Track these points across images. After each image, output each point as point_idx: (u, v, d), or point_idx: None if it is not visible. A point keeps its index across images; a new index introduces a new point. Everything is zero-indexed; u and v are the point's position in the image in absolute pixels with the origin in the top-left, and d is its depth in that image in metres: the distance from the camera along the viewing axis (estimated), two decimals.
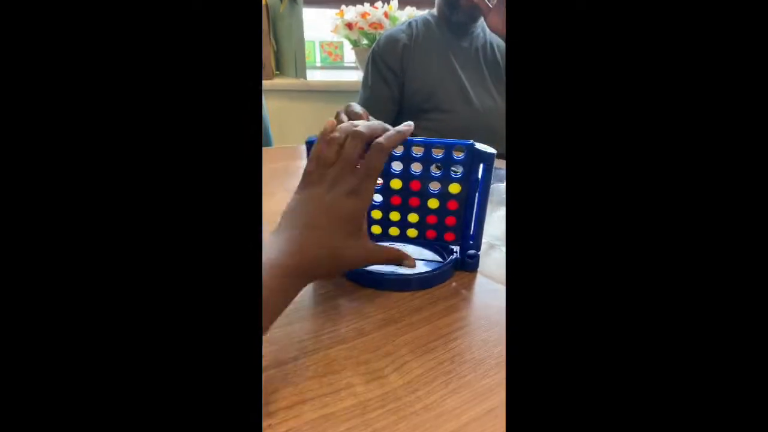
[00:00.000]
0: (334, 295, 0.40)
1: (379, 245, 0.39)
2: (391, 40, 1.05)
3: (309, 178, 0.37)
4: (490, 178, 0.40)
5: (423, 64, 1.02)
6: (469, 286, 0.43)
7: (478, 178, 0.41)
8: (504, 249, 0.48)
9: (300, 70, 1.58)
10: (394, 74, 1.04)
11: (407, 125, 0.39)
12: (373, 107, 1.03)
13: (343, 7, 1.60)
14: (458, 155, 0.41)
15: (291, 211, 0.36)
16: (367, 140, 0.37)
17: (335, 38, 1.84)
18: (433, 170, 0.41)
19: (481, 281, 0.44)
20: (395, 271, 0.41)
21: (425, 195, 0.42)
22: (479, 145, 0.40)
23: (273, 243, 0.33)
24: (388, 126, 0.38)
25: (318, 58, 1.87)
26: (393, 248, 0.40)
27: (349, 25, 1.56)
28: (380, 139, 0.37)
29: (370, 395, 0.29)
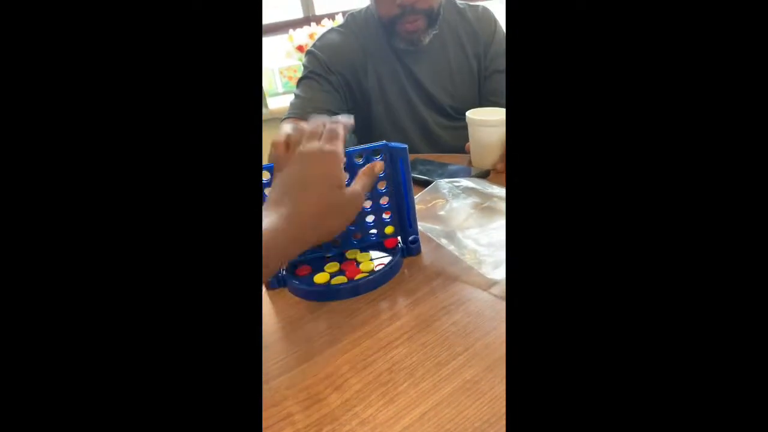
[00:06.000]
0: (287, 322, 0.41)
1: (357, 178, 0.40)
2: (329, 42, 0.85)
3: (279, 163, 0.39)
4: (409, 167, 0.44)
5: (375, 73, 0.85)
6: (415, 285, 0.43)
7: (399, 170, 0.44)
8: (443, 242, 0.48)
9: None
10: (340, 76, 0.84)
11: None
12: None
13: (291, 31, 1.62)
14: (377, 156, 0.44)
15: (274, 186, 0.38)
16: (343, 137, 0.40)
17: (293, 62, 1.86)
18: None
19: (428, 275, 0.44)
20: (350, 279, 0.43)
21: None
22: (392, 144, 0.44)
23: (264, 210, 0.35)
24: (345, 127, 0.41)
25: (279, 85, 1.89)
26: (363, 172, 0.41)
27: (300, 48, 1.58)
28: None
29: (308, 421, 0.30)
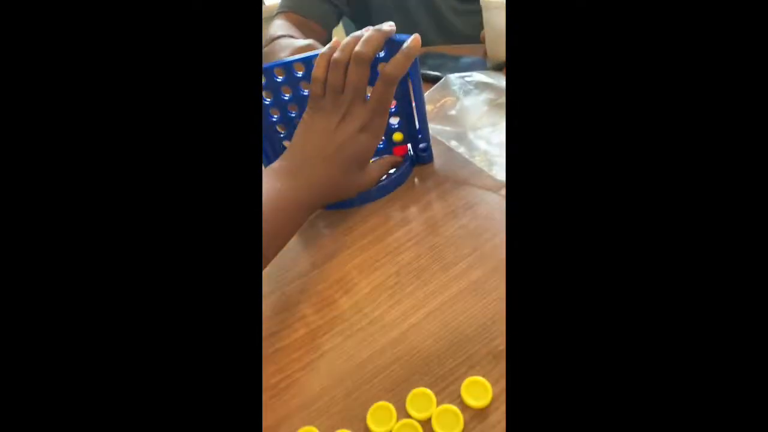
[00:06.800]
0: (301, 230, 0.41)
1: (375, 164, 0.41)
2: None
3: (318, 104, 0.38)
4: (417, 67, 0.39)
5: None
6: (424, 190, 0.42)
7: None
8: (453, 145, 0.46)
9: None
10: None
11: (415, 39, 0.36)
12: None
13: None
14: (380, 53, 0.38)
15: (302, 138, 0.38)
16: (371, 59, 0.36)
17: None
18: None
19: (437, 180, 0.43)
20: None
21: None
22: (397, 36, 0.38)
23: (281, 171, 0.36)
24: (386, 28, 0.37)
25: None
26: (385, 159, 0.42)
27: None
28: (387, 69, 0.36)
29: (321, 322, 0.32)
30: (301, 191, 0.35)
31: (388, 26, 0.37)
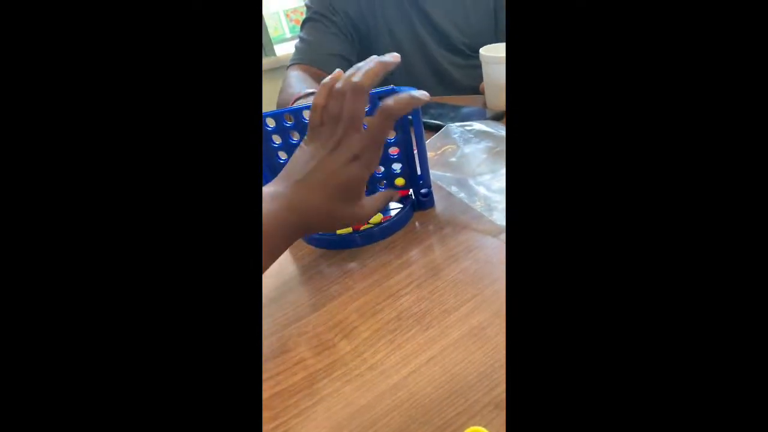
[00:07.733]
0: (302, 271, 0.41)
1: (370, 199, 0.40)
2: None
3: (316, 132, 0.38)
4: (420, 116, 0.41)
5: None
6: (425, 233, 0.43)
7: (409, 118, 0.41)
8: (454, 190, 0.47)
9: (267, 48, 1.54)
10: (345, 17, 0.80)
11: (425, 95, 0.37)
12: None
13: None
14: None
15: (298, 163, 0.38)
16: (369, 90, 0.36)
17: (299, 3, 1.77)
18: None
19: (438, 224, 0.43)
20: (356, 230, 0.43)
21: None
22: (400, 88, 0.40)
23: (270, 195, 0.36)
24: (387, 59, 0.37)
25: (286, 29, 1.81)
26: (381, 194, 0.41)
27: None
28: (388, 103, 0.36)
29: (320, 366, 0.31)
30: (288, 216, 0.35)
31: (391, 57, 0.37)
